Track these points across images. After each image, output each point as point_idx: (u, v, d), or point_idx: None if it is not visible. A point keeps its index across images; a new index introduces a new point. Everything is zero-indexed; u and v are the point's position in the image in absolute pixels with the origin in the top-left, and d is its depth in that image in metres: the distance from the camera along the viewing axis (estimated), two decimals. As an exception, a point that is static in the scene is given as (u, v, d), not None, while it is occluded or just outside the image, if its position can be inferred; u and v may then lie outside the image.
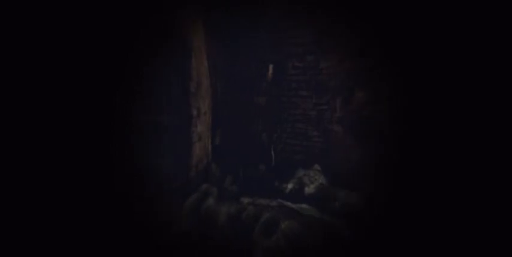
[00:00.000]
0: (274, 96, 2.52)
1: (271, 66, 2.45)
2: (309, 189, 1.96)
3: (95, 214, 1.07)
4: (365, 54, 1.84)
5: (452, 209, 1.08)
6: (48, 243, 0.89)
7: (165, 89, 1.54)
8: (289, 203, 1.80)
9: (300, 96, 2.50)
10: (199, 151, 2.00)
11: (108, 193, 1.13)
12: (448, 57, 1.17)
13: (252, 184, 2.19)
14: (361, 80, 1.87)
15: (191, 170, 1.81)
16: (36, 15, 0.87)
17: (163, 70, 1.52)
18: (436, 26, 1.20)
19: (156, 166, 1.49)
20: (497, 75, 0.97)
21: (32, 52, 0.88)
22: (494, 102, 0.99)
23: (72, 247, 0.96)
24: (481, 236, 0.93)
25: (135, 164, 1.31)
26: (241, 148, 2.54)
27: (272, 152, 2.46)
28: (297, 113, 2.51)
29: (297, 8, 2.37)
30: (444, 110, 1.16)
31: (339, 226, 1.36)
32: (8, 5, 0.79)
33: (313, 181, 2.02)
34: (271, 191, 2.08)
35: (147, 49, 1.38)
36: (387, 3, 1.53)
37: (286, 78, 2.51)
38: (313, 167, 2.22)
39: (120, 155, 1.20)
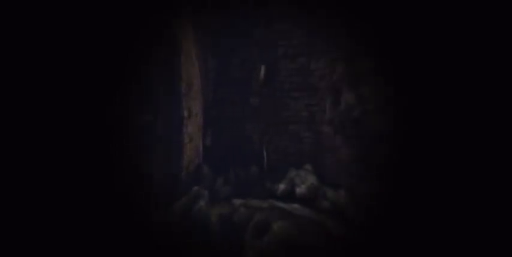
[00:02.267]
0: (267, 98, 2.54)
1: (263, 67, 2.46)
2: (300, 189, 1.98)
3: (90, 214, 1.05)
4: (354, 59, 1.90)
5: (440, 209, 1.05)
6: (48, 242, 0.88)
7: (154, 90, 1.51)
8: (281, 204, 1.81)
9: (292, 98, 2.53)
10: (190, 152, 1.97)
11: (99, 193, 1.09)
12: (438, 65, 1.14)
13: (244, 185, 2.18)
14: (350, 82, 1.92)
15: (182, 171, 1.78)
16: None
17: (151, 70, 1.49)
18: (430, 29, 1.16)
19: (145, 167, 1.45)
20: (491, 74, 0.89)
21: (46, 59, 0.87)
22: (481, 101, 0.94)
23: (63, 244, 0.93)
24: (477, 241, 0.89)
25: (123, 165, 1.27)
26: (233, 149, 2.53)
27: (264, 153, 2.47)
28: (289, 114, 2.54)
29: (290, 11, 2.40)
30: (434, 111, 1.16)
31: (328, 224, 1.38)
32: (11, 8, 0.78)
33: (305, 181, 2.05)
34: (264, 192, 2.09)
35: (137, 48, 1.35)
36: (378, 9, 1.53)
37: (279, 80, 2.54)
38: (304, 167, 2.25)
39: (108, 156, 1.17)
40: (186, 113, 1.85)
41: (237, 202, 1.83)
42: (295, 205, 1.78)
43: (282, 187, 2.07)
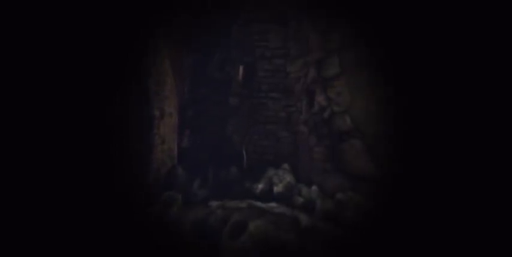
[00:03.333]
0: (246, 98, 2.55)
1: (241, 68, 2.46)
2: (278, 188, 2.03)
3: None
4: (324, 63, 2.04)
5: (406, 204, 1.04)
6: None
7: (118, 87, 1.38)
8: (258, 203, 1.82)
9: (271, 98, 2.58)
10: (162, 154, 1.86)
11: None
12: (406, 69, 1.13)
13: (223, 187, 2.15)
14: (321, 85, 2.06)
15: (151, 175, 1.66)
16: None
17: (116, 66, 1.36)
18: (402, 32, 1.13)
19: (109, 172, 1.32)
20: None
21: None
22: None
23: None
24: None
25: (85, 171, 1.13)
26: (212, 150, 2.47)
27: (244, 154, 2.47)
28: (268, 114, 2.59)
29: (267, 14, 2.47)
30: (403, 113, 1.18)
31: (300, 218, 1.45)
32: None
33: (282, 179, 2.11)
34: (243, 193, 2.08)
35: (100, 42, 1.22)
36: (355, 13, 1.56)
37: (257, 80, 2.57)
38: (282, 167, 2.31)
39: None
40: (157, 113, 1.74)
41: (214, 204, 1.78)
42: (273, 204, 1.81)
43: (260, 186, 2.09)
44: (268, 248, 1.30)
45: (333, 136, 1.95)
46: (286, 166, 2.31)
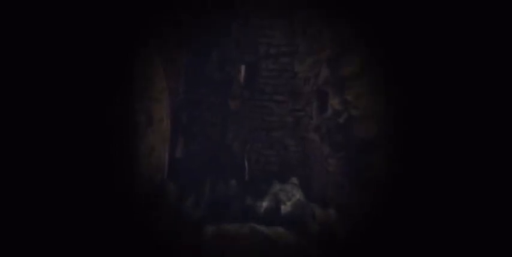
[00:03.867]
0: (248, 101, 2.28)
1: (243, 68, 2.21)
2: (286, 207, 1.71)
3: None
4: (341, 60, 1.76)
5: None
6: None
7: (98, 89, 1.13)
8: (263, 228, 1.50)
9: (275, 101, 2.31)
10: (149, 167, 1.58)
11: None
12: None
13: (221, 204, 1.84)
14: (336, 86, 1.76)
15: (135, 194, 1.37)
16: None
17: (90, 63, 1.12)
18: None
19: (83, 191, 1.04)
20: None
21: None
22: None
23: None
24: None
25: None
26: (209, 160, 2.18)
27: (246, 164, 2.17)
28: (272, 119, 2.30)
29: (268, 13, 2.24)
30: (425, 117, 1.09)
31: (317, 254, 1.12)
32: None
33: (290, 196, 1.79)
34: (243, 211, 1.77)
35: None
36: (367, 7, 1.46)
37: (260, 81, 2.31)
38: (290, 181, 2.00)
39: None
40: (143, 119, 1.48)
41: (209, 229, 1.47)
42: (280, 230, 1.49)
43: (265, 204, 1.77)
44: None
45: (350, 145, 1.63)
46: (294, 180, 1.99)
